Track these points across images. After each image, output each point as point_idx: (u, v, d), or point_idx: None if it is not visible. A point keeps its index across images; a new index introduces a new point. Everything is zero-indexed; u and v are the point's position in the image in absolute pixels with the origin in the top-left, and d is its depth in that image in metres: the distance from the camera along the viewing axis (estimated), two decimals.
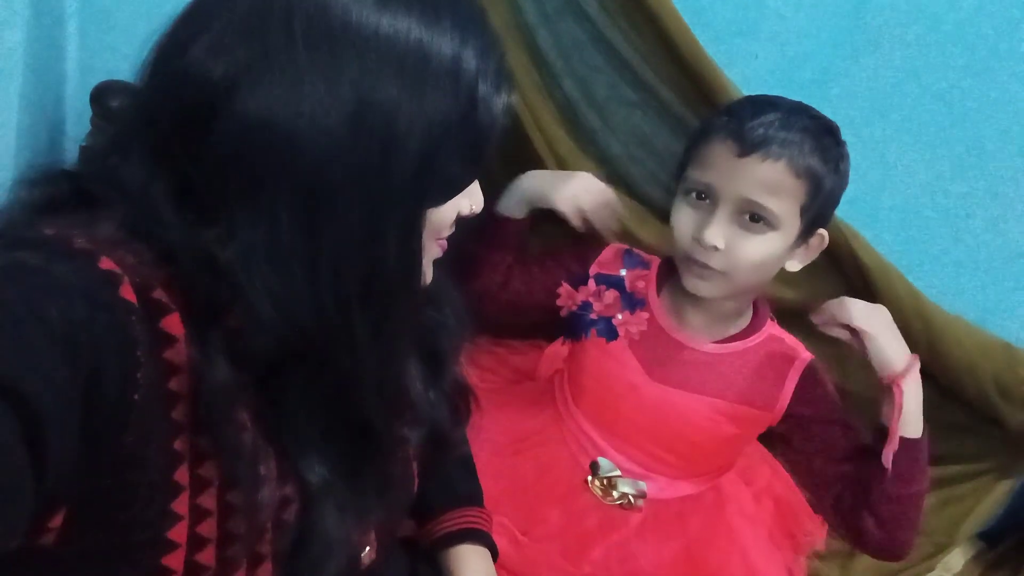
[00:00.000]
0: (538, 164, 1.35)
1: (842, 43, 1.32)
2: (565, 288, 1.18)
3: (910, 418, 1.06)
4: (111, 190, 0.60)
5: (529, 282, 1.22)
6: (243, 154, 0.58)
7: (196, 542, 0.61)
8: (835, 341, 1.44)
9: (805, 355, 1.17)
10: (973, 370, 1.40)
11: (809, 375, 1.16)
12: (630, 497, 1.17)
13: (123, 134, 0.64)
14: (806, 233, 1.07)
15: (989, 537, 1.55)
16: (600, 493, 1.17)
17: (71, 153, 1.13)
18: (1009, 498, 1.52)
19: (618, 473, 1.17)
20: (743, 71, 1.30)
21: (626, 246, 1.24)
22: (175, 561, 0.60)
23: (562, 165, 1.35)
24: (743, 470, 1.28)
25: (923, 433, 1.08)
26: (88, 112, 1.12)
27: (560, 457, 1.20)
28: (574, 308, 1.18)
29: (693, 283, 1.08)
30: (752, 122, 1.01)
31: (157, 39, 0.62)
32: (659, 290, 1.19)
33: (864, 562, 1.44)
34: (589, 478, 1.18)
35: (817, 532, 1.31)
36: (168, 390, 0.58)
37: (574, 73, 1.34)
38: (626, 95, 1.35)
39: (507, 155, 1.39)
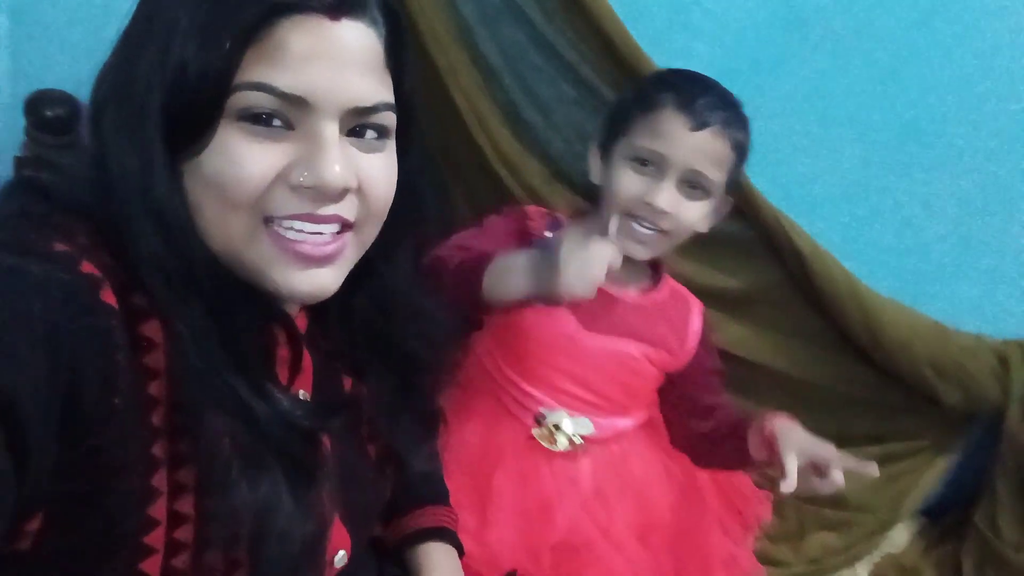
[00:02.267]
0: (483, 163, 1.36)
1: (773, 36, 1.35)
2: None
3: None
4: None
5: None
6: None
7: (173, 547, 0.60)
8: (776, 326, 1.48)
9: (697, 301, 1.26)
10: (908, 350, 1.44)
11: (706, 320, 1.26)
12: (575, 438, 1.20)
13: None
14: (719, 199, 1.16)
15: (931, 513, 1.60)
16: (546, 443, 1.20)
17: (3, 164, 1.09)
18: (948, 474, 1.57)
19: (565, 414, 1.20)
20: (680, 67, 1.32)
21: (545, 209, 1.27)
22: (152, 566, 0.59)
23: (507, 163, 1.37)
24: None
25: None
26: (21, 122, 1.08)
27: (502, 423, 1.22)
28: None
29: (633, 248, 1.13)
30: (702, 100, 1.09)
31: None
32: None
33: (814, 542, 1.48)
34: (534, 430, 1.20)
35: (762, 507, 1.35)
36: (147, 395, 0.58)
37: (515, 72, 1.36)
38: (567, 93, 1.37)
39: (452, 154, 1.40)
